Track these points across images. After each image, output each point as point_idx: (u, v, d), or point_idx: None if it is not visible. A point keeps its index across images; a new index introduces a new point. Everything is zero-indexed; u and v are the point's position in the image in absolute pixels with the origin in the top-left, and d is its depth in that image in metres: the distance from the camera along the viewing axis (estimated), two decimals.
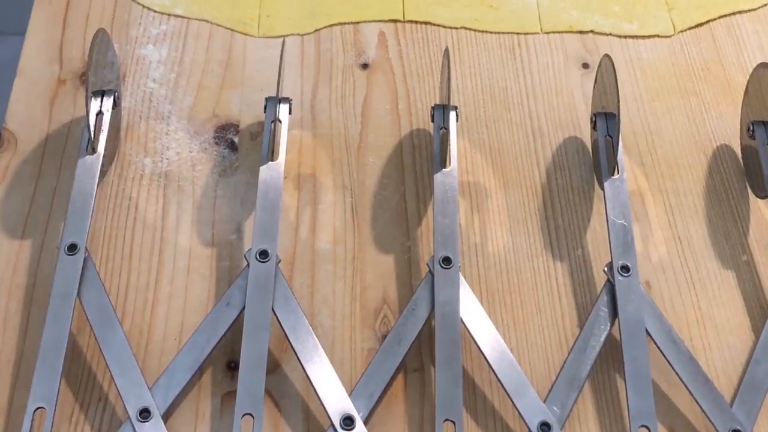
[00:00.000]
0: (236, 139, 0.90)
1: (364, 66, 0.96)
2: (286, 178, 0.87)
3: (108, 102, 0.85)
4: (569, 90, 0.96)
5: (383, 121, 0.92)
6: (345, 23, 0.99)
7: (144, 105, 0.92)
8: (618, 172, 0.83)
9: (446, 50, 0.85)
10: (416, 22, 1.00)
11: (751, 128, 0.87)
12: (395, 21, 1.00)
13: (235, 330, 0.75)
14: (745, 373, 0.78)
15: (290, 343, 0.74)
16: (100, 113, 0.85)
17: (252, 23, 0.99)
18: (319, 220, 0.85)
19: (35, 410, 0.70)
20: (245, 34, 0.98)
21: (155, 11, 0.99)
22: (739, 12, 1.03)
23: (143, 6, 0.99)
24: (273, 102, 0.85)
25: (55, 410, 0.70)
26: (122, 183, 0.86)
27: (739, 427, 0.73)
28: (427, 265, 0.78)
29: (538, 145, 0.91)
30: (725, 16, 1.02)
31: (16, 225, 0.82)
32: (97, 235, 0.83)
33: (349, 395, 0.73)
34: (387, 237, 0.84)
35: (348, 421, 0.72)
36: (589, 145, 0.91)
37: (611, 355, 0.78)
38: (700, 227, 0.86)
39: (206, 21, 0.99)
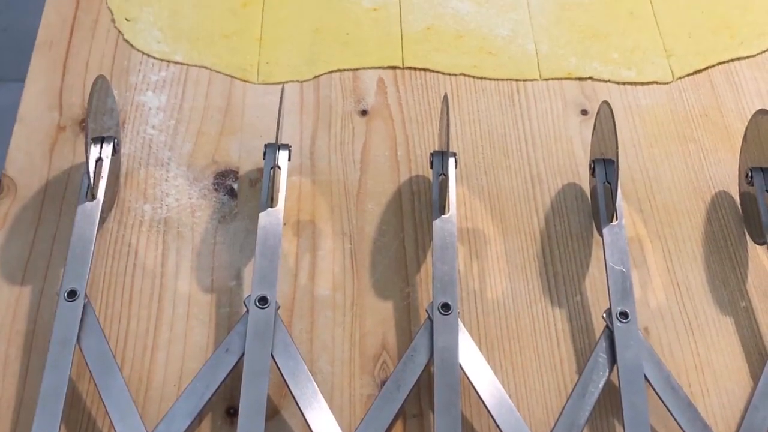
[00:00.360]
0: (235, 186, 0.92)
1: (363, 112, 0.99)
2: (285, 224, 0.89)
3: (108, 148, 0.88)
4: (568, 136, 0.98)
5: (382, 167, 0.95)
6: (344, 70, 1.02)
7: (143, 151, 0.95)
8: (617, 219, 0.85)
9: (445, 97, 0.88)
10: (415, 68, 1.03)
11: (750, 175, 0.89)
12: (394, 68, 1.03)
13: (235, 376, 0.77)
14: (743, 419, 0.79)
15: (289, 389, 0.76)
16: (99, 159, 0.87)
17: (251, 70, 1.02)
18: (318, 267, 0.87)
19: None
20: (245, 81, 1.01)
21: (155, 58, 1.02)
22: (738, 59, 1.06)
23: (143, 53, 1.02)
24: (272, 148, 0.88)
25: None
26: (122, 229, 0.89)
27: None
28: (426, 311, 0.80)
29: (536, 192, 0.94)
30: (724, 62, 1.05)
31: (16, 271, 0.85)
32: (97, 281, 0.85)
33: None
34: (386, 283, 0.87)
35: None
36: (587, 191, 0.93)
37: (610, 401, 0.80)
38: (698, 273, 0.89)
39: (206, 67, 1.02)
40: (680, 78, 1.04)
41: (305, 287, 0.86)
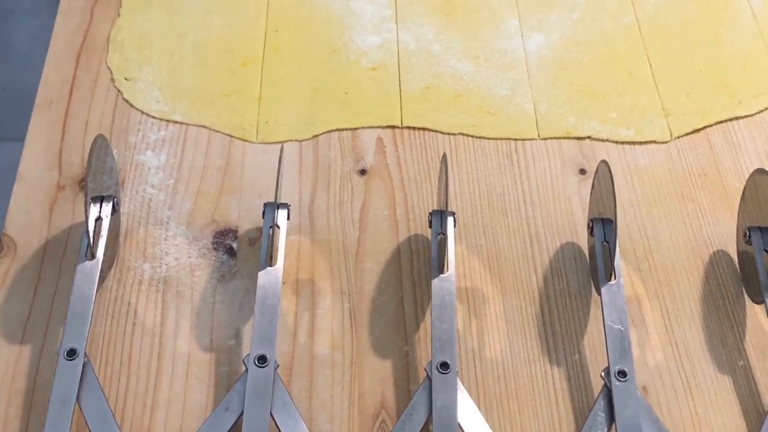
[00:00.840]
0: (235, 245, 0.95)
1: (362, 172, 1.02)
2: (284, 283, 0.92)
3: (107, 208, 0.91)
4: (566, 196, 1.02)
5: (381, 226, 0.98)
6: (343, 129, 1.06)
7: (143, 210, 0.98)
8: (615, 278, 0.88)
9: (444, 156, 0.91)
10: (414, 128, 1.07)
11: (748, 234, 0.92)
12: (393, 127, 1.07)
13: None
14: None
15: None
16: (99, 219, 0.90)
17: (251, 129, 1.05)
18: (317, 325, 0.90)
19: None
20: (244, 140, 1.04)
21: (154, 117, 1.06)
22: (736, 118, 1.09)
23: (142, 112, 1.06)
24: (271, 207, 0.91)
25: None
26: (121, 288, 0.92)
27: None
28: (425, 370, 0.83)
29: (535, 251, 0.97)
30: (722, 122, 1.09)
31: (16, 330, 0.88)
32: (97, 340, 0.88)
33: None
34: (385, 342, 0.89)
35: None
36: (586, 250, 0.97)
37: None
38: (696, 332, 0.91)
39: (205, 127, 1.05)
40: (678, 137, 1.07)
41: (304, 346, 0.89)
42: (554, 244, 0.97)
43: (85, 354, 0.81)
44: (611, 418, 0.81)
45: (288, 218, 0.92)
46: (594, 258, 0.93)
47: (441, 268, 0.88)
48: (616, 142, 1.06)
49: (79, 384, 0.80)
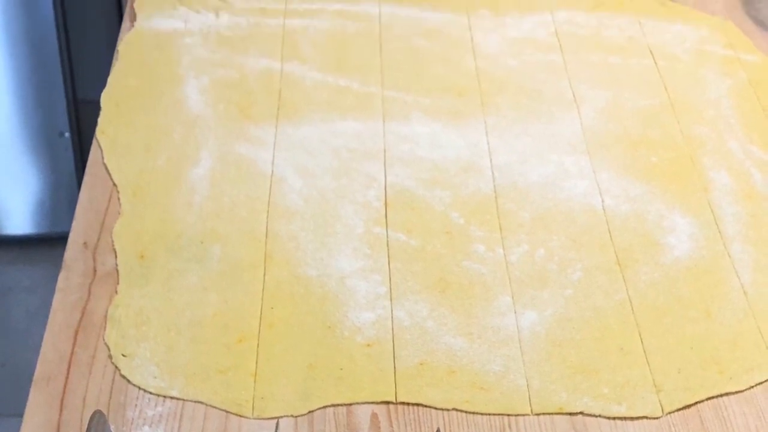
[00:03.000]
0: None
1: None
2: None
3: None
4: None
5: None
6: (338, 405, 1.18)
7: None
8: None
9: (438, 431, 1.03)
10: (408, 403, 1.19)
11: None
12: (388, 403, 1.19)
13: None
14: None
15: None
16: None
17: (246, 405, 1.18)
18: None
19: None
20: (240, 416, 1.16)
21: (151, 393, 1.18)
22: (727, 394, 1.22)
23: (139, 388, 1.18)
24: None
25: None
26: None
27: None
28: None
29: None
30: (713, 397, 1.21)
31: None
32: None
33: None
34: None
35: None
36: None
37: None
38: None
39: (201, 402, 1.17)
40: (670, 413, 1.19)
41: None
42: None
43: None
44: None
45: None
46: None
47: None
48: (609, 418, 1.18)
49: None
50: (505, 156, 1.53)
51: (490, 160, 1.52)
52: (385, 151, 1.52)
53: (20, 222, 2.65)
